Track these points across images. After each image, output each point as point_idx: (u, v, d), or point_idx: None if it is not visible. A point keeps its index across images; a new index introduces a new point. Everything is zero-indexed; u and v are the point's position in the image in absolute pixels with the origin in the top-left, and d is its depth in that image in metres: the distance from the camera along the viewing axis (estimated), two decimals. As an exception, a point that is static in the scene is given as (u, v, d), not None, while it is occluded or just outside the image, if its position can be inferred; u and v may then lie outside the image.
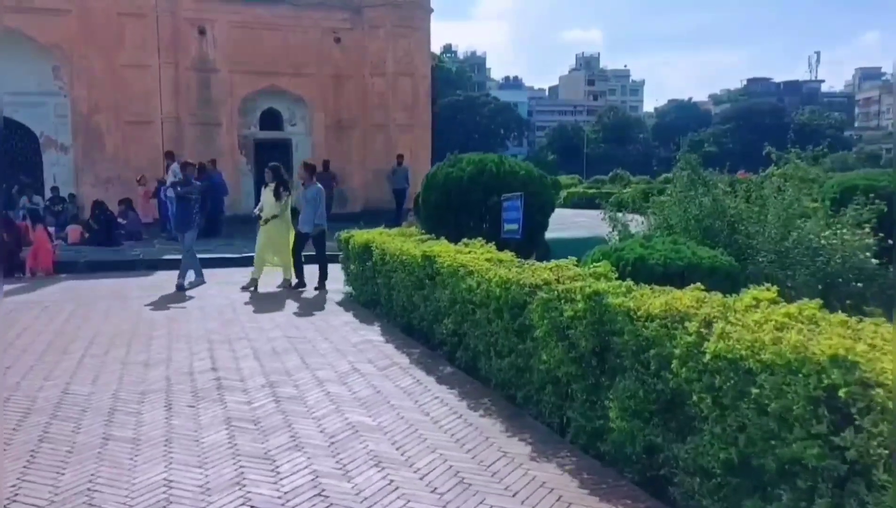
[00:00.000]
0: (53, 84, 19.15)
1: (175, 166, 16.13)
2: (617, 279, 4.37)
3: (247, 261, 13.23)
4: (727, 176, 8.51)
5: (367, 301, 8.60)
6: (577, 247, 7.69)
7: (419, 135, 21.28)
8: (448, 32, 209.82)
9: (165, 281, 10.91)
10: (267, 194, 10.39)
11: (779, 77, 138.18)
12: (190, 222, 10.62)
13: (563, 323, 4.13)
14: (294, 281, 10.43)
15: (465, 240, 6.70)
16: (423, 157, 21.69)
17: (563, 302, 4.17)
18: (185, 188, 10.71)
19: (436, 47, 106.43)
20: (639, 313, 3.51)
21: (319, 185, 10.53)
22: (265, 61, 20.27)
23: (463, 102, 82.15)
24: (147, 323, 7.84)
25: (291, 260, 10.37)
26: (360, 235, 8.98)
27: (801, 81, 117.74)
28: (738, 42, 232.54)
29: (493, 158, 8.51)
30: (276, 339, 6.98)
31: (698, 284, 3.76)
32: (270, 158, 22.54)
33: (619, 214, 8.90)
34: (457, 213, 8.20)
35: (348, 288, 9.51)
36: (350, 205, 21.50)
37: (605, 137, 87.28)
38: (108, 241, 14.30)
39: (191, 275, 10.86)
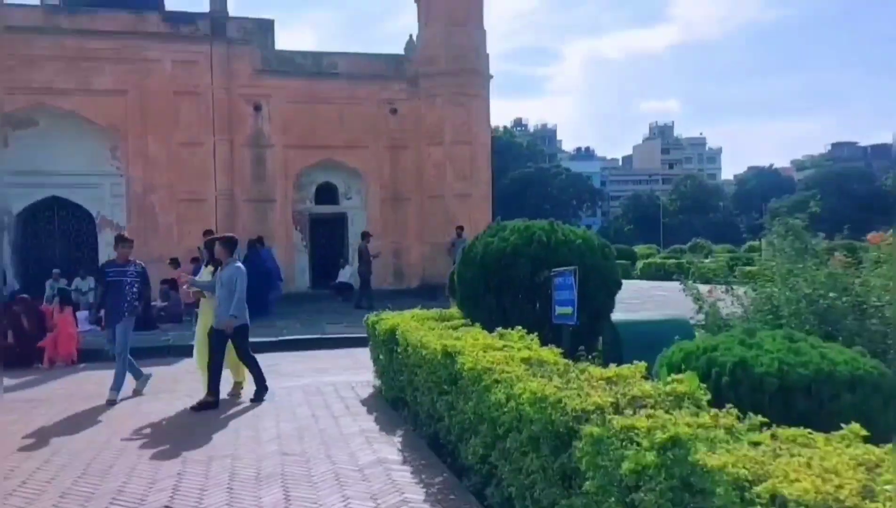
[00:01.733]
0: (110, 164, 19.02)
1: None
2: (709, 396, 2.81)
3: (292, 346, 12.09)
4: (840, 241, 6.76)
5: (395, 399, 7.14)
6: (654, 334, 6.05)
7: (479, 205, 20.06)
8: (518, 108, 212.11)
9: (180, 371, 9.77)
10: (208, 275, 8.28)
11: (865, 141, 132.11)
12: (120, 312, 8.37)
13: (624, 479, 2.57)
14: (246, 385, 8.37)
15: (500, 329, 5.21)
16: (483, 228, 20.35)
17: (623, 444, 2.62)
18: (114, 268, 8.54)
19: (506, 121, 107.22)
20: (758, 492, 1.92)
21: (239, 264, 8.11)
22: (320, 135, 19.69)
23: (534, 174, 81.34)
24: (115, 431, 6.61)
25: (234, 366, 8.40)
26: (387, 319, 7.60)
27: (890, 144, 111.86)
28: (819, 106, 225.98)
29: (541, 225, 7.04)
30: (267, 457, 5.56)
31: (855, 426, 2.15)
32: (326, 234, 21.96)
33: (703, 288, 7.22)
34: (498, 293, 6.72)
35: (377, 382, 8.09)
36: (407, 281, 20.30)
37: (683, 206, 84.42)
38: (142, 325, 13.39)
39: (127, 389, 8.50)
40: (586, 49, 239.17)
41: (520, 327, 5.40)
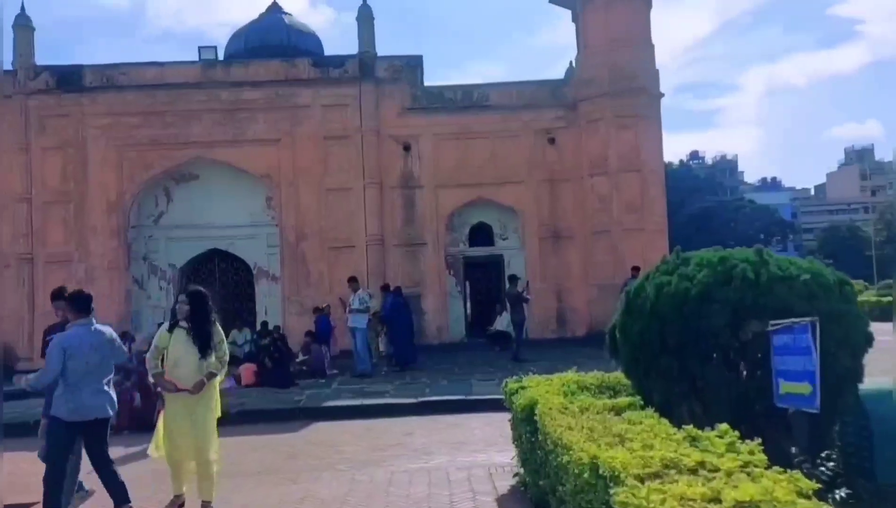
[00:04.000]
0: (265, 214, 18.84)
1: (361, 293, 14.27)
2: None
3: (431, 409, 10.49)
4: None
5: (540, 500, 5.17)
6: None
7: (653, 241, 17.56)
8: (693, 142, 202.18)
9: (277, 443, 8.42)
10: (179, 341, 5.84)
11: None
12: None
13: None
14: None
15: (689, 428, 3.17)
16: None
17: None
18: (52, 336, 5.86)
19: (681, 155, 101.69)
20: None
21: (96, 326, 5.67)
22: (472, 172, 18.33)
23: (714, 208, 75.61)
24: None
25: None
26: (528, 388, 5.72)
27: None
28: None
29: (744, 254, 4.85)
30: None
31: None
32: (481, 277, 20.40)
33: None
34: (681, 355, 4.62)
35: (522, 469, 6.16)
36: (571, 328, 18.14)
37: (892, 236, 74.36)
38: (280, 381, 12.45)
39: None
40: (764, 76, 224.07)
41: (719, 418, 3.29)
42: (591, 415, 4.23)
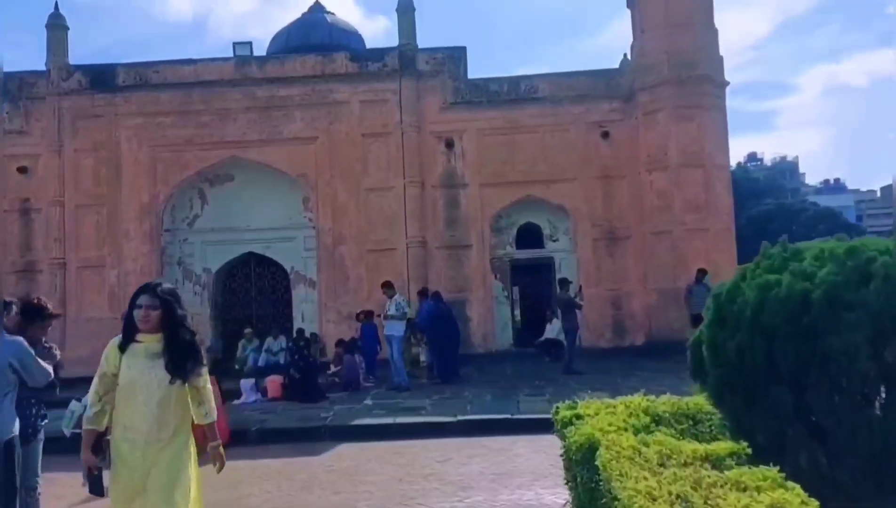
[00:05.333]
0: (303, 216, 17.95)
1: (398, 298, 13.20)
2: None
3: (472, 429, 9.32)
4: None
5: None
6: None
7: (718, 241, 16.06)
8: (750, 144, 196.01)
9: (294, 469, 7.35)
10: (136, 362, 3.95)
11: None
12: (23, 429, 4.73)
13: None
14: None
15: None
16: (725, 270, 16.20)
17: None
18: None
19: (739, 156, 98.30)
20: None
21: (16, 338, 4.66)
22: (520, 169, 17.11)
23: (775, 211, 72.23)
24: None
25: None
26: (584, 420, 4.51)
27: None
28: None
29: (882, 245, 3.60)
30: None
31: None
32: (530, 282, 19.10)
33: None
34: (797, 384, 3.37)
35: (575, 516, 4.94)
36: (629, 337, 16.73)
37: (970, 237, 70.06)
38: (309, 394, 11.44)
39: None
40: (824, 76, 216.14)
41: (854, 473, 2.05)
42: (676, 469, 3.01)
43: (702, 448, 3.54)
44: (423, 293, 14.35)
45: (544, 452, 7.75)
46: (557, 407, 5.33)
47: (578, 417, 4.82)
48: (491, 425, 9.21)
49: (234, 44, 18.51)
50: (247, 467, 7.86)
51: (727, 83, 16.78)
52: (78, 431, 9.16)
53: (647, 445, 3.72)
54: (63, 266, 17.10)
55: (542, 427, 8.41)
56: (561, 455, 5.21)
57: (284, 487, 6.96)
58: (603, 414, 4.75)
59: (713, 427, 4.79)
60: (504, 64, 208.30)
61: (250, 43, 18.49)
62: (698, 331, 4.39)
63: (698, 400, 5.19)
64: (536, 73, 17.86)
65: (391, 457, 8.00)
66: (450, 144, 17.26)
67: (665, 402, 5.16)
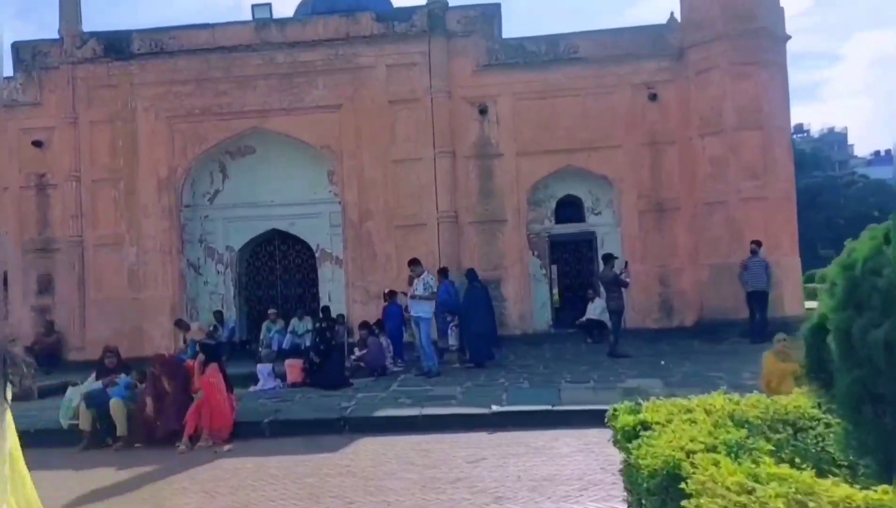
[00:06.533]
0: (328, 190, 16.93)
1: (426, 276, 12.16)
2: None
3: (509, 421, 8.26)
4: None
5: None
6: None
7: (778, 210, 14.65)
8: (796, 114, 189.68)
9: (304, 469, 6.35)
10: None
11: None
12: None
13: None
14: None
15: None
16: (786, 244, 14.86)
17: None
18: None
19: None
20: None
21: None
22: (559, 137, 15.82)
23: (822, 184, 69.43)
24: None
25: None
26: (657, 436, 3.39)
27: None
28: None
29: None
30: None
31: None
32: (570, 259, 17.78)
33: None
34: None
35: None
36: (678, 317, 15.44)
37: None
38: (331, 380, 10.47)
39: None
40: (870, 44, 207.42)
41: None
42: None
43: (842, 491, 2.39)
44: (443, 272, 13.17)
45: (592, 451, 6.70)
46: (615, 410, 4.21)
47: (645, 426, 3.71)
48: (530, 417, 8.13)
49: (253, 6, 17.43)
50: (253, 466, 6.94)
51: (788, 37, 15.24)
52: (75, 423, 8.29)
53: (755, 477, 2.60)
54: (81, 244, 16.41)
55: (587, 419, 7.35)
56: (620, 470, 4.12)
57: (289, 493, 5.98)
58: (678, 422, 3.64)
59: (820, 439, 3.67)
60: (542, 23, 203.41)
61: (269, 4, 17.38)
62: (816, 315, 3.22)
63: (799, 401, 4.07)
64: (576, 31, 16.43)
65: (415, 456, 6.98)
66: (483, 110, 16.02)
67: (755, 403, 4.06)
